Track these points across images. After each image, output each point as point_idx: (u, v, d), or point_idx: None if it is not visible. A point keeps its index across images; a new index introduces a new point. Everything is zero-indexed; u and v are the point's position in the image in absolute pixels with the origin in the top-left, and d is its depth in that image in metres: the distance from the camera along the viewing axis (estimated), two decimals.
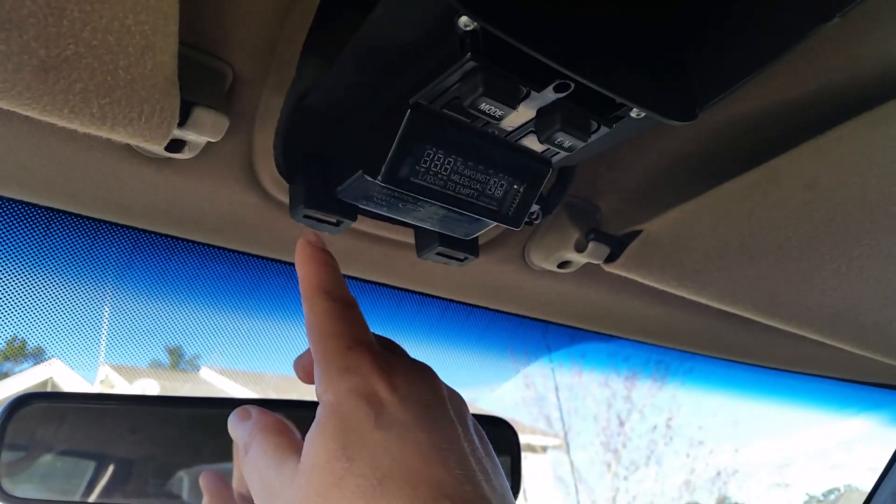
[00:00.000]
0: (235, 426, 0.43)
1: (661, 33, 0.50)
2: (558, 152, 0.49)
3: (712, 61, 0.48)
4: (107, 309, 0.95)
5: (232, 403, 1.03)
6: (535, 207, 0.64)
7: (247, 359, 1.24)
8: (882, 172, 0.65)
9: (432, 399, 0.38)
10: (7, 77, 0.39)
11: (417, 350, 1.18)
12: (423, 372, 0.40)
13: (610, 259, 0.74)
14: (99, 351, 1.09)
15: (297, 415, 0.44)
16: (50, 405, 0.82)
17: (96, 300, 0.92)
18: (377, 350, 0.39)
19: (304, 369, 0.46)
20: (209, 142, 0.52)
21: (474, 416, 0.42)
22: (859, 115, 0.58)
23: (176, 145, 0.51)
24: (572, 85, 0.44)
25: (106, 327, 1.01)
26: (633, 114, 0.47)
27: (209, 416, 0.91)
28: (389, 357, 0.39)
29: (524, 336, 1.24)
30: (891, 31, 0.53)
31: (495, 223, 0.55)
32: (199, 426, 0.89)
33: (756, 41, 0.46)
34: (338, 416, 0.36)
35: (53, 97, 0.41)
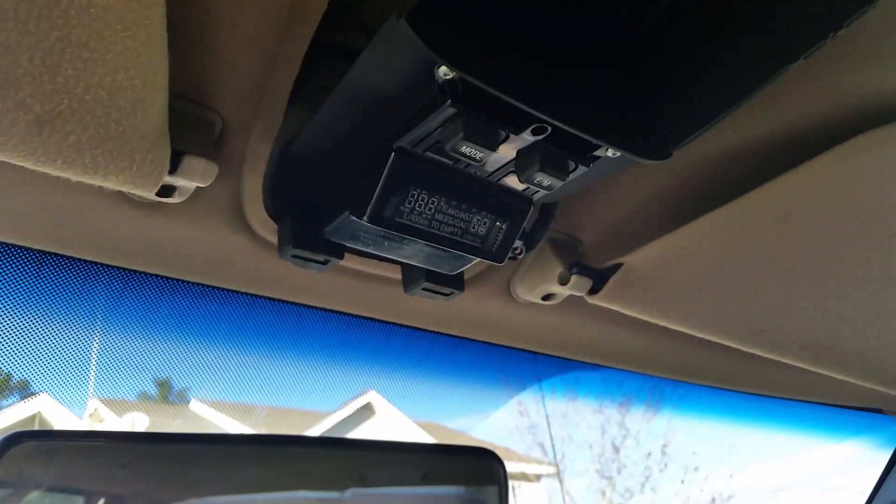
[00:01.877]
0: None
1: (635, 77, 0.51)
2: (538, 191, 0.51)
3: (684, 103, 0.50)
4: (96, 343, 0.95)
5: (219, 440, 1.04)
6: (518, 243, 0.66)
7: (236, 392, 1.24)
8: (855, 203, 0.66)
9: None
10: (3, 131, 0.40)
11: (409, 381, 1.19)
12: None
13: (593, 291, 0.75)
14: (88, 385, 1.09)
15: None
16: (40, 443, 0.82)
17: (85, 335, 0.92)
18: None
19: None
20: (199, 186, 0.53)
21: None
22: (830, 148, 0.60)
23: (166, 190, 0.52)
24: (549, 128, 0.45)
25: (95, 361, 1.01)
26: (609, 153, 0.49)
27: (199, 451, 0.91)
28: None
29: (516, 366, 1.24)
30: (856, 69, 0.55)
31: (479, 259, 0.56)
32: (188, 461, 0.89)
33: (726, 83, 0.48)
34: None
35: (48, 149, 0.42)
